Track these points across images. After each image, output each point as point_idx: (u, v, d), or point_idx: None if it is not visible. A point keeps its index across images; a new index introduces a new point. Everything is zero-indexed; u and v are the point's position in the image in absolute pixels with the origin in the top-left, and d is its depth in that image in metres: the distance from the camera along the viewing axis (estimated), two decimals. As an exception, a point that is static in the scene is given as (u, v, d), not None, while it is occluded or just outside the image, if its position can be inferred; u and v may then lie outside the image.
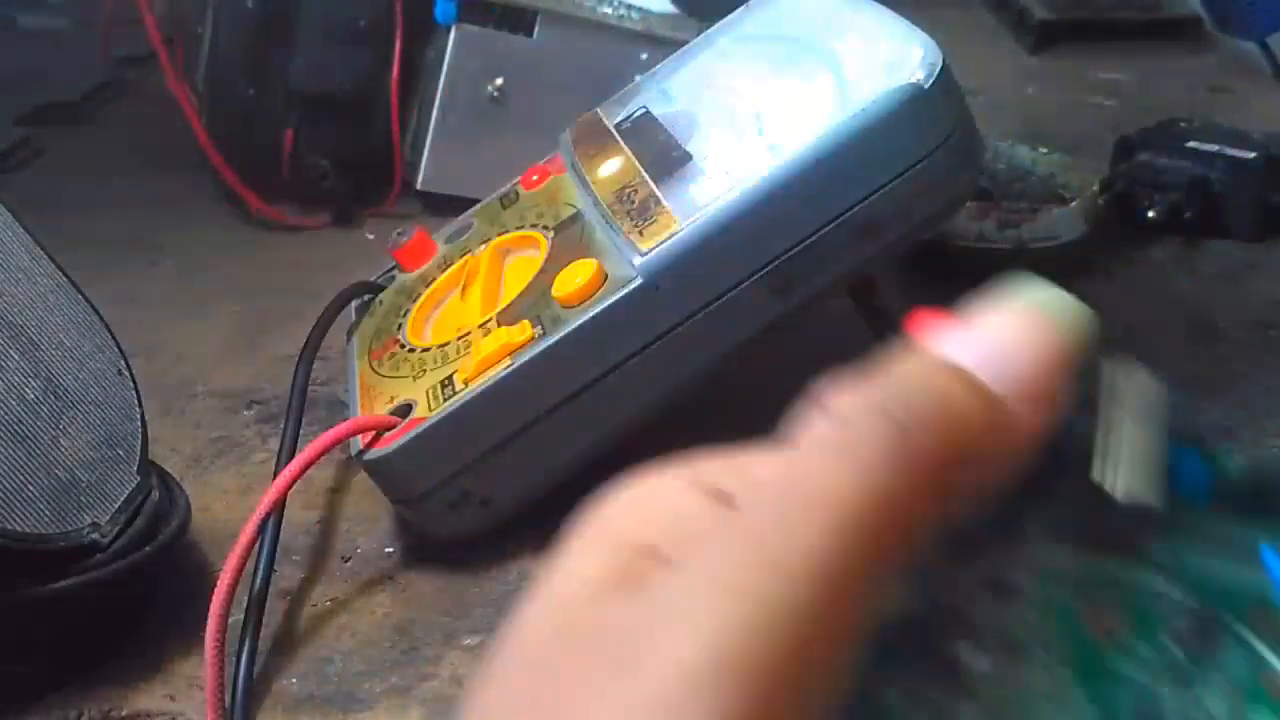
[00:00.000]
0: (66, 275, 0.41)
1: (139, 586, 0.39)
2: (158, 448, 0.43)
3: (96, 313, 0.42)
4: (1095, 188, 0.64)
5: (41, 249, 0.41)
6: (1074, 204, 0.62)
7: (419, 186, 0.74)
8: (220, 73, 0.70)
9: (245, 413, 0.51)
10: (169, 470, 0.43)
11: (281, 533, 0.43)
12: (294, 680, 0.36)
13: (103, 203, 0.79)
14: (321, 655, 0.37)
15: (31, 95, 0.99)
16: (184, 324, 0.60)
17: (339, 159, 0.73)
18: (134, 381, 0.41)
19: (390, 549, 0.42)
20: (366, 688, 0.36)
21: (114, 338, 0.42)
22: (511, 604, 0.42)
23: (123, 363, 0.41)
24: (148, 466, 0.40)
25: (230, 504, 0.45)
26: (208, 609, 0.40)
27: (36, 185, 0.83)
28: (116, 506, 0.38)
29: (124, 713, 0.36)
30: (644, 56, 0.76)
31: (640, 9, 0.75)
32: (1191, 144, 0.68)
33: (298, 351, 0.57)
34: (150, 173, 0.84)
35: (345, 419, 0.43)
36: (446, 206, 0.75)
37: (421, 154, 0.73)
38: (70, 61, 1.08)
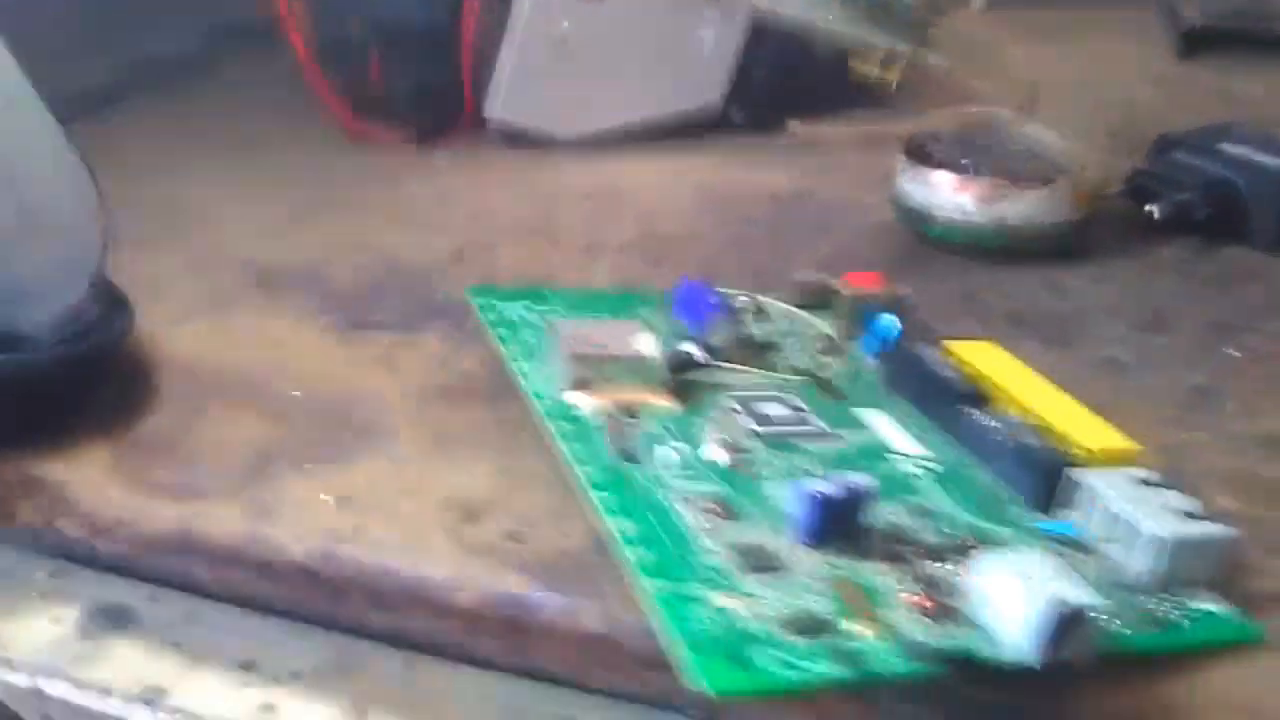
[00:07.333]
0: (57, 122, 0.45)
1: (70, 385, 0.43)
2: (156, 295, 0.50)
3: (86, 167, 0.46)
4: (1084, 172, 0.63)
5: (34, 93, 0.44)
6: (1052, 185, 0.61)
7: (491, 117, 0.81)
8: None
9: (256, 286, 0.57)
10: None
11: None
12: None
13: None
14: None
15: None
16: (237, 206, 0.68)
17: (417, 89, 0.80)
18: (107, 222, 0.46)
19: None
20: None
21: (95, 183, 0.46)
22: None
23: (96, 201, 0.45)
24: (104, 285, 0.45)
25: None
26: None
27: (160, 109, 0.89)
28: (61, 311, 0.43)
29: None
30: (706, 14, 0.80)
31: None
32: (1221, 146, 0.66)
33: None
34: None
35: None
36: (519, 139, 0.82)
37: (497, 88, 0.80)
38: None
